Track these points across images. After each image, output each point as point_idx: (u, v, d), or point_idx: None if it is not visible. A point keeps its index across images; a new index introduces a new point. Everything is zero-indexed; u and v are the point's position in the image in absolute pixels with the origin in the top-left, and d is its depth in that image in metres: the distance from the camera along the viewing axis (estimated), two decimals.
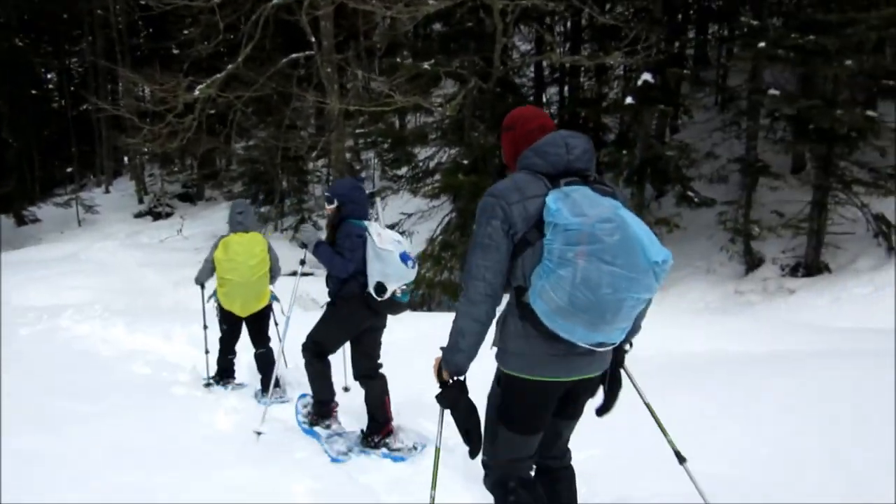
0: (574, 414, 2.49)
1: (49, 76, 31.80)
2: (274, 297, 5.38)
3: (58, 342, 7.07)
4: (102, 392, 5.02)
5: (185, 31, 20.54)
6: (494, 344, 2.37)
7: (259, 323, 5.28)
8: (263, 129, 17.18)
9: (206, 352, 5.56)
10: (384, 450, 4.02)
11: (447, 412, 2.41)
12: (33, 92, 26.43)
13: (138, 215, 23.49)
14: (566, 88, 14.91)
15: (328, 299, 4.07)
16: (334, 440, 4.12)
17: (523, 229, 2.17)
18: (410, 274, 3.89)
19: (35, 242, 21.15)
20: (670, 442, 2.74)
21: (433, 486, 2.51)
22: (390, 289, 3.80)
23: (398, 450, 4.01)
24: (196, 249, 17.18)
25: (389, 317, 4.14)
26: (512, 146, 2.42)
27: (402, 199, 12.79)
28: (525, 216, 2.17)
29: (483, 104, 10.66)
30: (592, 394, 2.48)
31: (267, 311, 5.33)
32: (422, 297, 11.01)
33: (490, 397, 2.45)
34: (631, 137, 11.10)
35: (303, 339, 4.16)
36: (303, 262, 4.28)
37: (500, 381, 2.37)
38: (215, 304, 5.31)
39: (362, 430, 4.17)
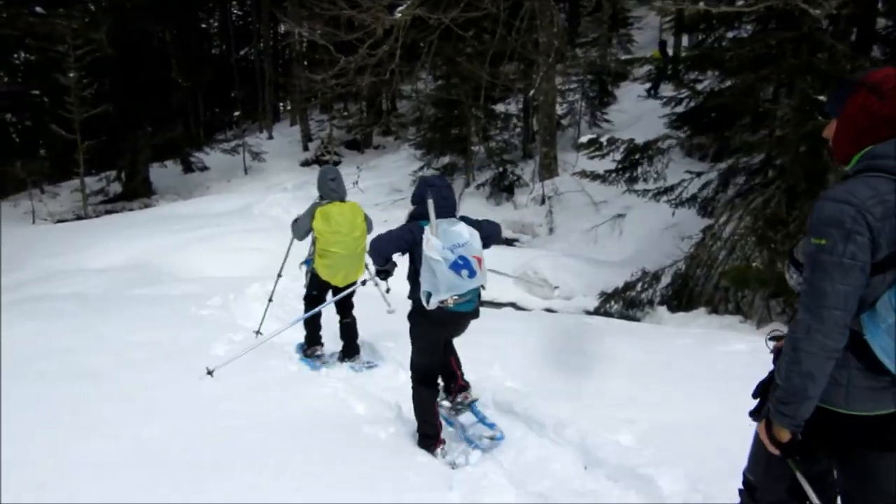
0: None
1: (210, 21, 30.91)
2: (366, 266, 5.28)
3: (271, 388, 4.56)
4: None
5: None
6: None
7: (349, 293, 5.07)
8: (458, 63, 14.33)
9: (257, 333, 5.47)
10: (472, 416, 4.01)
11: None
12: (202, 26, 25.12)
13: (304, 163, 21.64)
14: None
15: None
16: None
17: (885, 251, 1.78)
18: (466, 284, 3.46)
19: (202, 191, 19.92)
20: None
21: None
22: (436, 299, 3.43)
23: (475, 401, 4.11)
24: (376, 205, 14.84)
25: None
26: (862, 118, 1.83)
27: (682, 159, 9.31)
28: (892, 236, 1.77)
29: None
30: None
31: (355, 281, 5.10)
32: (714, 292, 7.77)
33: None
34: None
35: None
36: (364, 283, 4.64)
37: None
38: (308, 270, 5.30)
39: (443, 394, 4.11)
